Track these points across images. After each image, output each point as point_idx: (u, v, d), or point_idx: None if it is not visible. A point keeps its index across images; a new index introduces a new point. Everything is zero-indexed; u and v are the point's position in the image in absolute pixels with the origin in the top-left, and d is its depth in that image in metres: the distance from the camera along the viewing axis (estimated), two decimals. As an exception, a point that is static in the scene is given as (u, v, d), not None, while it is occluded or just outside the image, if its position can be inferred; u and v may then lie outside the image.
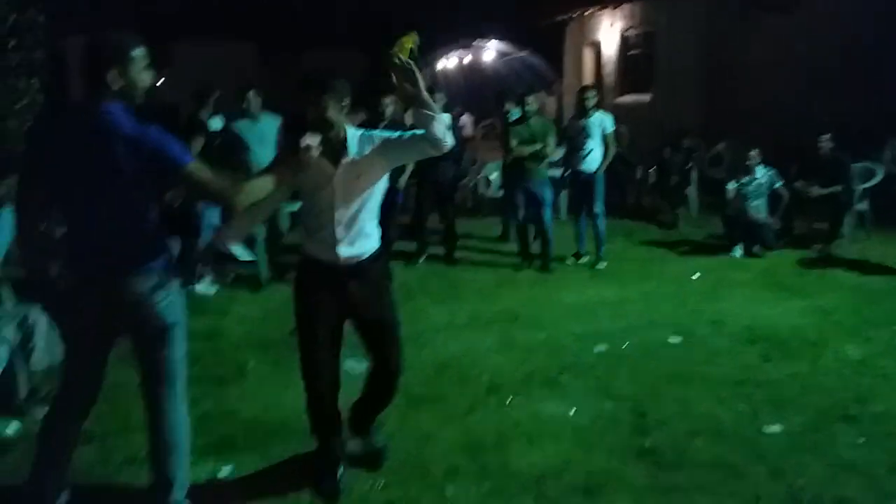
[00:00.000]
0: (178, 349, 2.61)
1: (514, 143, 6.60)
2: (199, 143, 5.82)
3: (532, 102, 6.67)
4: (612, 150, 6.84)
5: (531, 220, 6.81)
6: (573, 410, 3.79)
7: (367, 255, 2.90)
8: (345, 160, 2.77)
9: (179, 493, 2.65)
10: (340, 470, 3.04)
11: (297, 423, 3.62)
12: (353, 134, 2.81)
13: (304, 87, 2.74)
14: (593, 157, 6.76)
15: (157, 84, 15.47)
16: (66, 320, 2.78)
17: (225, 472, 3.17)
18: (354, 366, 3.70)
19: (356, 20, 17.18)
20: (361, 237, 2.87)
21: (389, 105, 6.62)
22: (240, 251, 6.14)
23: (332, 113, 2.74)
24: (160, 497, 2.63)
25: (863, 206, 7.52)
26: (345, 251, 2.84)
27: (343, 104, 2.78)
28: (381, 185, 2.92)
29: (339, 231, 2.82)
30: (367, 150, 2.80)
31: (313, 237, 2.88)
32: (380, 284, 3.00)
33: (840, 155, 7.21)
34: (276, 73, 16.84)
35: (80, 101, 2.50)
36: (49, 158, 2.44)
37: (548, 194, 6.71)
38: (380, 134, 2.88)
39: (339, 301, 2.88)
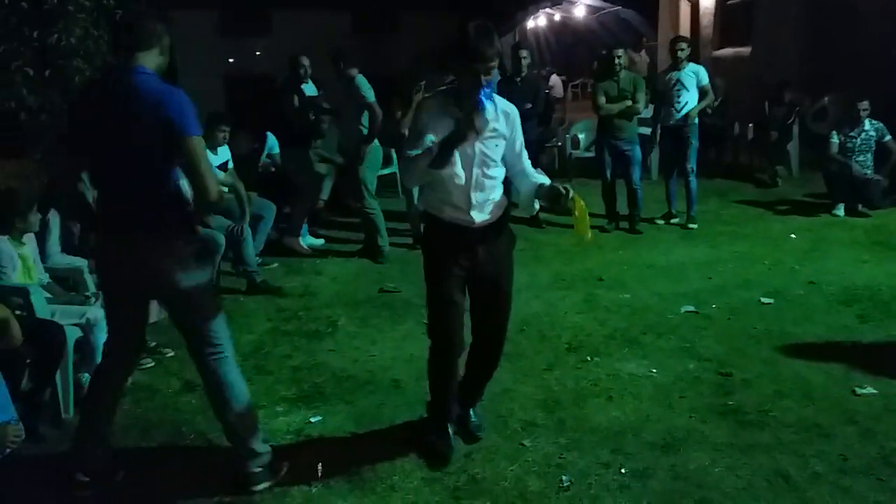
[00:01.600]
0: (208, 311, 2.69)
1: (601, 100, 6.49)
2: (290, 106, 6.10)
3: (622, 56, 6.52)
4: (709, 101, 6.60)
5: (621, 179, 6.70)
6: (655, 370, 3.79)
7: (496, 219, 2.91)
8: (486, 126, 2.78)
9: (250, 449, 2.77)
10: (451, 431, 3.07)
11: (382, 376, 3.83)
12: (487, 100, 2.79)
13: (476, 52, 2.64)
14: (687, 111, 6.53)
15: (256, 54, 16.00)
16: (101, 277, 2.92)
17: (315, 420, 3.39)
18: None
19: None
20: (491, 201, 2.87)
21: (526, 58, 6.72)
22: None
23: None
24: (238, 463, 2.81)
25: None
26: (478, 215, 2.84)
27: None
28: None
29: (475, 196, 2.82)
30: (502, 120, 2.86)
31: (447, 201, 2.84)
32: (505, 248, 3.01)
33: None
34: (371, 41, 17.10)
35: (115, 68, 2.74)
36: (85, 122, 2.62)
37: (637, 152, 6.58)
38: (511, 113, 2.93)
39: (469, 262, 2.88)
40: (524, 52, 6.73)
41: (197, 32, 13.86)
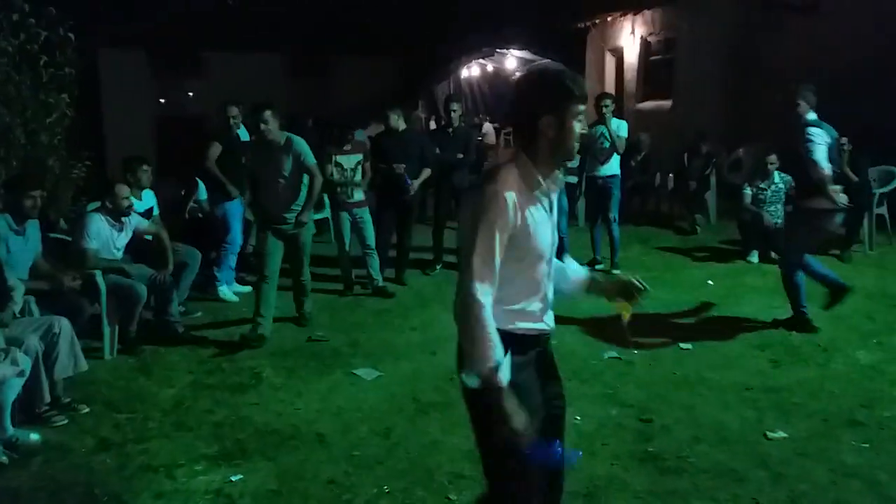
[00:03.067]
0: None
1: None
2: (215, 151, 6.03)
3: None
4: (620, 151, 6.91)
5: None
6: (579, 417, 3.85)
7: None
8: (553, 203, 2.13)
9: None
10: None
11: (307, 430, 3.76)
12: None
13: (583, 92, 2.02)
14: (609, 164, 6.82)
15: (189, 95, 15.71)
16: None
17: (235, 479, 3.29)
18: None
19: (384, 27, 17.39)
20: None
21: (457, 111, 6.82)
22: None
23: None
24: None
25: (882, 210, 7.43)
26: (550, 319, 2.16)
27: None
28: None
29: (550, 289, 2.15)
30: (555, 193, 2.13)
31: (521, 302, 2.08)
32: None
33: (859, 158, 7.15)
34: (304, 85, 17.13)
35: None
36: None
37: (564, 201, 6.78)
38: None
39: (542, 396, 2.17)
40: (455, 105, 6.90)
41: (128, 72, 13.65)
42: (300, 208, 5.17)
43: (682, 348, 4.88)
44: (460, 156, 6.85)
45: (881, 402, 3.92)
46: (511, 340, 1.99)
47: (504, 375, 1.88)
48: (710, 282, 6.51)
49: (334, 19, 16.58)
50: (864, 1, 10.27)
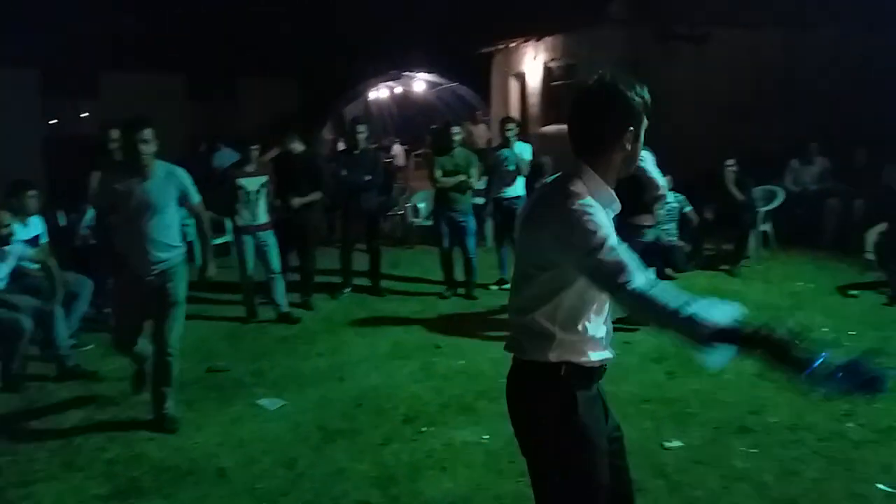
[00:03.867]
0: None
1: (438, 173, 6.77)
2: (95, 180, 5.72)
3: (458, 132, 6.90)
4: (524, 174, 7.07)
5: (458, 247, 6.96)
6: (487, 436, 3.89)
7: None
8: None
9: None
10: None
11: (207, 464, 3.62)
12: None
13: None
14: (515, 186, 6.98)
15: (82, 116, 15.00)
16: None
17: (131, 517, 3.13)
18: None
19: (289, 49, 17.25)
20: None
21: (363, 132, 6.77)
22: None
23: None
24: None
25: (766, 226, 7.94)
26: (611, 348, 2.08)
27: None
28: None
29: (610, 316, 2.05)
30: None
31: (595, 331, 1.97)
32: None
33: (744, 178, 7.63)
34: (208, 105, 16.70)
35: None
36: None
37: (471, 223, 6.88)
38: None
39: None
40: (361, 128, 6.89)
41: (15, 92, 12.91)
42: (172, 254, 4.07)
43: (585, 364, 5.02)
44: (367, 177, 6.84)
45: (767, 408, 4.16)
46: (582, 375, 1.93)
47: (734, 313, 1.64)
48: (611, 298, 6.74)
49: (237, 40, 16.32)
50: (746, 35, 11.05)
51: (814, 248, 8.21)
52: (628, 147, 1.92)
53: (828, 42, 11.27)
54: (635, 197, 5.34)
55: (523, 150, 7.09)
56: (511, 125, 7.16)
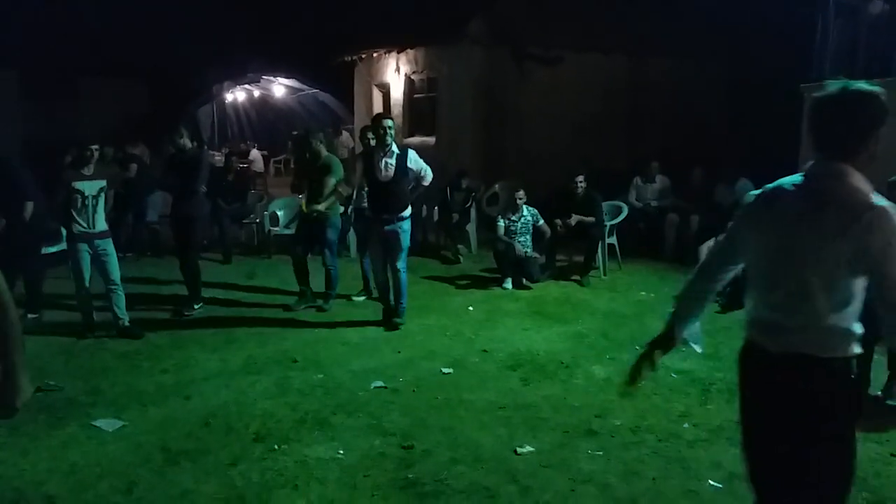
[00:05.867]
0: None
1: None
2: None
3: (320, 142, 6.70)
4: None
5: (318, 256, 6.79)
6: (342, 451, 3.81)
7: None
8: None
9: None
10: None
11: (34, 493, 3.28)
12: None
13: None
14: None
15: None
16: None
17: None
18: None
19: (136, 47, 16.22)
20: None
21: (184, 137, 6.38)
22: None
23: None
24: None
25: (612, 239, 8.45)
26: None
27: None
28: None
29: None
30: None
31: (858, 326, 2.10)
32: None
33: (592, 193, 8.06)
34: (47, 105, 15.34)
35: None
36: None
37: (331, 234, 6.74)
38: None
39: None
40: (183, 131, 6.46)
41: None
42: None
43: (443, 372, 5.07)
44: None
45: (613, 412, 4.38)
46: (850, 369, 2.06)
47: None
48: (470, 308, 6.87)
49: (79, 38, 15.14)
50: (596, 59, 11.75)
51: (655, 260, 8.83)
52: (872, 150, 2.05)
53: (668, 70, 12.25)
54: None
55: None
56: (370, 133, 7.10)
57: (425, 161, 6.26)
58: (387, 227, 5.96)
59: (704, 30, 11.71)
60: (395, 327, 6.08)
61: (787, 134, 7.64)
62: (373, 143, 6.92)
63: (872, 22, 6.97)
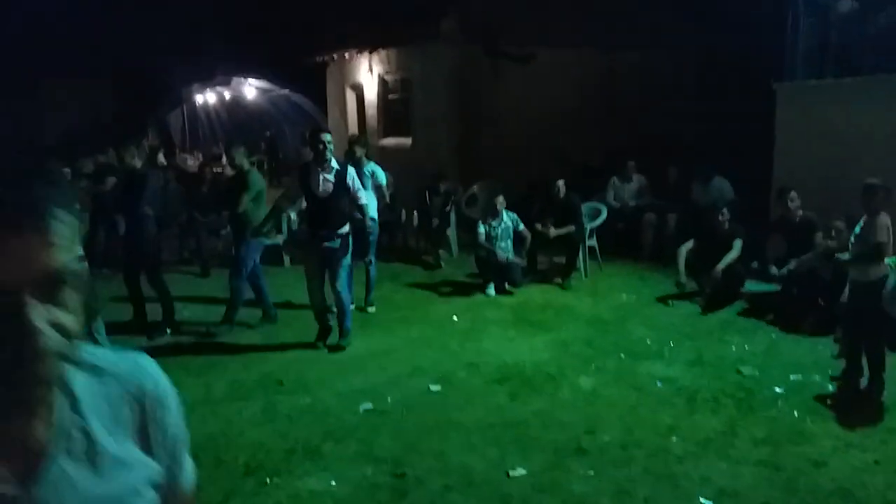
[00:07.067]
0: None
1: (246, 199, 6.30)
2: None
3: (240, 156, 6.47)
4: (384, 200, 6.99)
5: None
6: (334, 482, 3.79)
7: None
8: None
9: None
10: None
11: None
12: None
13: None
14: (367, 208, 6.75)
15: None
16: None
17: None
18: None
19: (100, 50, 15.90)
20: None
21: (135, 158, 6.27)
22: None
23: None
24: None
25: (592, 242, 8.49)
26: None
27: None
28: None
29: None
30: None
31: None
32: None
33: (572, 197, 8.08)
34: (5, 105, 14.98)
35: None
36: None
37: (244, 249, 6.39)
38: None
39: None
40: (133, 151, 6.41)
41: None
42: None
43: (431, 390, 5.06)
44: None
45: (602, 427, 4.41)
46: None
47: None
48: (455, 317, 6.86)
49: (41, 37, 14.79)
50: (569, 55, 11.74)
51: (634, 261, 8.88)
52: None
53: (640, 64, 12.28)
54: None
55: (376, 172, 7.06)
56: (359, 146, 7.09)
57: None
58: (325, 244, 5.73)
59: (677, 23, 11.77)
60: (338, 349, 5.90)
61: (761, 132, 7.73)
62: (359, 154, 6.87)
63: (842, 21, 7.05)
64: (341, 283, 5.83)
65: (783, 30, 7.32)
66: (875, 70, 6.61)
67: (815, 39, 7.16)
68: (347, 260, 5.91)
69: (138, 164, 6.41)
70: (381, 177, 7.20)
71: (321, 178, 5.72)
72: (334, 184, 5.71)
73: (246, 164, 6.54)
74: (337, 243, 5.74)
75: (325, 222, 5.74)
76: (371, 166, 7.14)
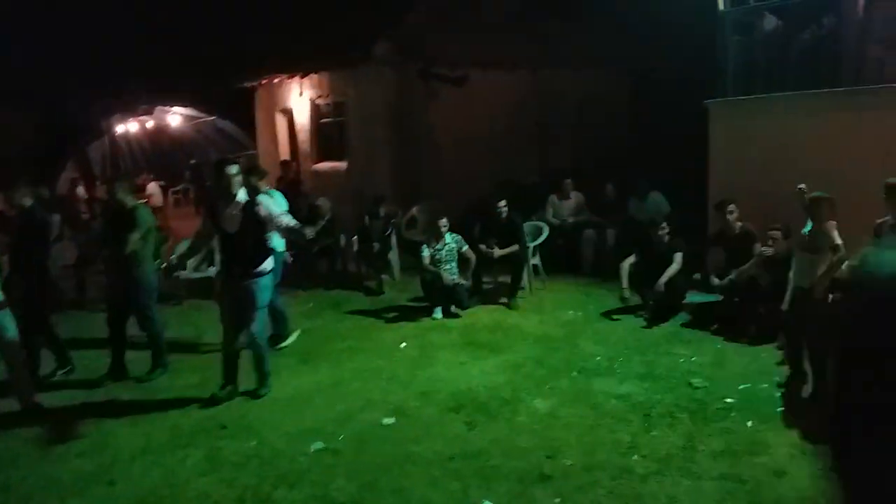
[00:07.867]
0: None
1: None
2: None
3: (122, 191, 5.93)
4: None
5: None
6: (290, 531, 3.56)
7: None
8: None
9: None
10: None
11: None
12: None
13: None
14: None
15: None
16: None
17: None
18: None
19: (17, 79, 15.13)
20: None
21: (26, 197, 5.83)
22: None
23: None
24: None
25: (536, 260, 8.49)
26: None
27: None
28: None
29: None
30: None
31: None
32: None
33: (515, 217, 8.07)
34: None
35: None
36: None
37: (143, 294, 5.97)
38: None
39: None
40: (24, 190, 5.90)
41: None
42: None
43: (385, 424, 4.88)
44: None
45: (562, 450, 4.33)
46: None
47: None
48: (403, 344, 6.69)
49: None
50: (502, 76, 11.85)
51: (575, 276, 8.94)
52: None
53: (573, 83, 12.52)
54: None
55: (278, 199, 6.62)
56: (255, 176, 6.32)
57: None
58: (240, 282, 5.23)
59: (610, 42, 12.07)
60: (256, 397, 5.44)
61: (695, 148, 7.92)
62: (253, 183, 6.03)
63: (767, 38, 7.31)
64: (256, 327, 5.35)
65: (713, 47, 7.55)
66: (799, 86, 6.87)
67: (744, 57, 7.39)
68: (264, 300, 5.38)
69: (28, 202, 5.89)
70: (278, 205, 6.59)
71: (227, 213, 5.23)
72: (242, 218, 5.20)
73: (130, 201, 5.92)
74: (253, 282, 5.24)
75: (235, 259, 5.26)
76: (268, 195, 6.65)
